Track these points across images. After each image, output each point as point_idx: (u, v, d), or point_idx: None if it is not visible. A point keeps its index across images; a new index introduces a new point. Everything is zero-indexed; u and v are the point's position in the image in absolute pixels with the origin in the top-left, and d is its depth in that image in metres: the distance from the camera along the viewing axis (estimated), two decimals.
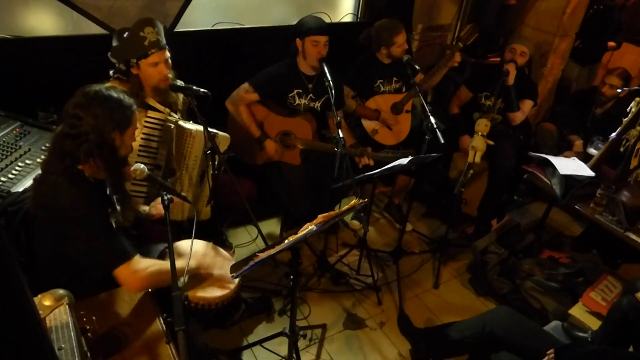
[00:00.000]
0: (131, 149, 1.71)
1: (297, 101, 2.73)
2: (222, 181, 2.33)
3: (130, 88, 2.05)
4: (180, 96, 2.26)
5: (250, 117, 2.67)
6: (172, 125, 2.11)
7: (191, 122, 2.19)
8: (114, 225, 1.61)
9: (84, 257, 1.59)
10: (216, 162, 2.12)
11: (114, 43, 2.07)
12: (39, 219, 1.60)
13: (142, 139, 2.05)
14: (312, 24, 2.55)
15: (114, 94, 1.59)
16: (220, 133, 2.29)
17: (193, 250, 1.76)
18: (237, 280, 1.76)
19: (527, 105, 3.20)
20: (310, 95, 2.75)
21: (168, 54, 2.09)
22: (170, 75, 2.12)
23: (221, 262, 1.88)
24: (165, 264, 1.61)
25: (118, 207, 1.70)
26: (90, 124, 1.53)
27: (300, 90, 2.72)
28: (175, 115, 2.16)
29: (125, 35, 2.02)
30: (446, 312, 2.70)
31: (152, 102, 2.14)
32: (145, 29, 1.98)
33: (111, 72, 2.08)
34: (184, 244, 1.88)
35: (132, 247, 1.61)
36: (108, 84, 2.05)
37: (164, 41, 2.06)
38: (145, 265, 1.60)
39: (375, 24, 2.93)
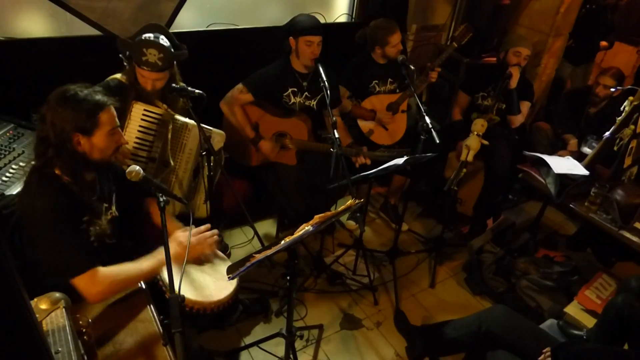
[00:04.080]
0: (110, 153, 1.63)
1: (293, 100, 2.73)
2: (217, 182, 2.33)
3: (128, 79, 2.12)
4: None
5: (244, 118, 2.65)
6: (169, 119, 2.13)
7: (187, 118, 2.20)
8: (87, 233, 1.55)
9: (43, 262, 1.52)
10: (212, 163, 2.13)
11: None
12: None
13: (138, 131, 2.08)
14: (306, 23, 2.53)
15: (80, 93, 1.49)
16: (215, 130, 2.29)
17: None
18: (234, 284, 1.75)
19: (525, 106, 3.22)
20: (306, 93, 2.74)
21: (162, 75, 2.09)
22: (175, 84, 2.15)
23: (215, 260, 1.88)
24: (128, 270, 1.57)
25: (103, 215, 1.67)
26: (51, 125, 1.47)
27: (295, 89, 2.71)
28: (172, 112, 2.18)
29: (136, 39, 2.05)
30: (442, 311, 2.71)
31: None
32: (150, 49, 2.00)
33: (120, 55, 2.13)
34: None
35: (92, 258, 1.52)
36: (113, 76, 2.13)
37: (163, 66, 2.05)
38: (104, 276, 1.51)
39: (371, 23, 2.93)
